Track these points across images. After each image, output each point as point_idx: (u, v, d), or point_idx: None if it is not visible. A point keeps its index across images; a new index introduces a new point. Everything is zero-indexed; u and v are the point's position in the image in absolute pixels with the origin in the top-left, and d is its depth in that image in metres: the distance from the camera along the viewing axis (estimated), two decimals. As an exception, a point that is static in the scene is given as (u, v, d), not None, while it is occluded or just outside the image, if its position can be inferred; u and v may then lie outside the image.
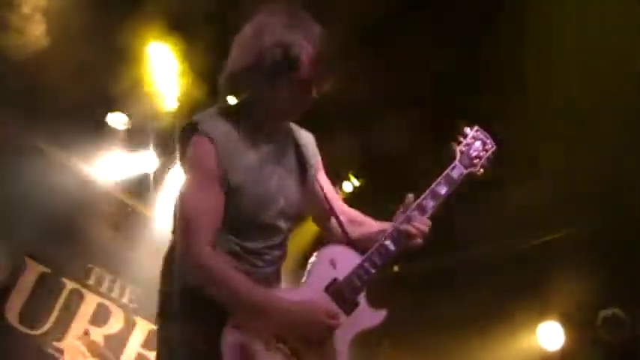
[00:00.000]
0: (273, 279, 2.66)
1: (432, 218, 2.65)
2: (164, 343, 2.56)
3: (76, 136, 6.26)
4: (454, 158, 2.73)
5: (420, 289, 6.67)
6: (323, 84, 2.58)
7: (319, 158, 2.82)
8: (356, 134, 6.25)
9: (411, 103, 5.78)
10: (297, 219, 2.73)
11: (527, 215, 6.15)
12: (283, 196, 2.63)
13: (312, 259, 2.60)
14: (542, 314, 6.57)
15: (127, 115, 6.67)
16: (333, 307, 2.52)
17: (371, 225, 2.77)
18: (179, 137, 2.61)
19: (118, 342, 6.52)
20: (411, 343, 6.47)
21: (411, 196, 2.63)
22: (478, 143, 2.77)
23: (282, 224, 2.66)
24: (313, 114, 2.69)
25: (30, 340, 6.07)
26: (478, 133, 2.80)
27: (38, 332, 6.13)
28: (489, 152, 2.79)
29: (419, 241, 2.59)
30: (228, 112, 2.62)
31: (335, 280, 2.56)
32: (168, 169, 6.64)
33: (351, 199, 7.14)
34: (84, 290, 6.45)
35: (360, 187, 7.10)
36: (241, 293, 2.41)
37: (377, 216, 2.85)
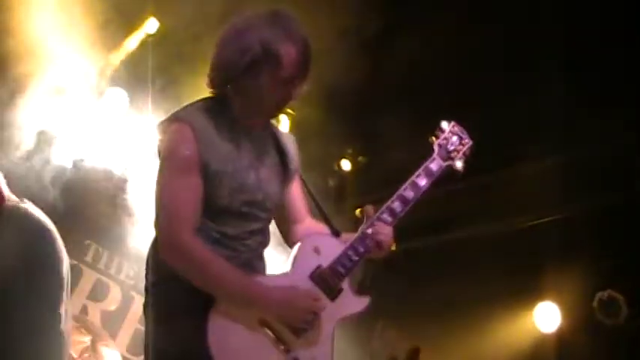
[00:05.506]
0: (256, 264, 2.67)
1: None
2: (154, 341, 2.59)
3: (74, 110, 6.24)
4: (432, 152, 2.81)
5: (416, 270, 6.66)
6: (300, 86, 2.58)
7: (298, 162, 2.80)
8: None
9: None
10: (275, 210, 2.75)
11: (524, 195, 6.15)
12: (262, 190, 2.63)
13: (297, 246, 2.63)
14: (539, 296, 6.57)
15: (126, 91, 6.64)
16: (317, 290, 2.56)
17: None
18: (158, 129, 2.59)
19: (116, 318, 6.53)
20: (406, 324, 6.47)
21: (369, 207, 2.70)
22: (455, 138, 2.85)
23: (261, 214, 2.66)
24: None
25: (28, 314, 6.09)
26: (455, 128, 2.88)
27: (36, 307, 6.15)
28: (466, 147, 2.86)
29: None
30: (208, 106, 2.62)
31: (319, 266, 2.59)
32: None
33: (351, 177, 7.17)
34: (82, 266, 6.46)
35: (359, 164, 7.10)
36: (227, 280, 2.45)
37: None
